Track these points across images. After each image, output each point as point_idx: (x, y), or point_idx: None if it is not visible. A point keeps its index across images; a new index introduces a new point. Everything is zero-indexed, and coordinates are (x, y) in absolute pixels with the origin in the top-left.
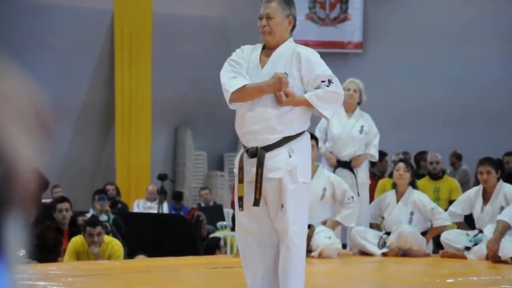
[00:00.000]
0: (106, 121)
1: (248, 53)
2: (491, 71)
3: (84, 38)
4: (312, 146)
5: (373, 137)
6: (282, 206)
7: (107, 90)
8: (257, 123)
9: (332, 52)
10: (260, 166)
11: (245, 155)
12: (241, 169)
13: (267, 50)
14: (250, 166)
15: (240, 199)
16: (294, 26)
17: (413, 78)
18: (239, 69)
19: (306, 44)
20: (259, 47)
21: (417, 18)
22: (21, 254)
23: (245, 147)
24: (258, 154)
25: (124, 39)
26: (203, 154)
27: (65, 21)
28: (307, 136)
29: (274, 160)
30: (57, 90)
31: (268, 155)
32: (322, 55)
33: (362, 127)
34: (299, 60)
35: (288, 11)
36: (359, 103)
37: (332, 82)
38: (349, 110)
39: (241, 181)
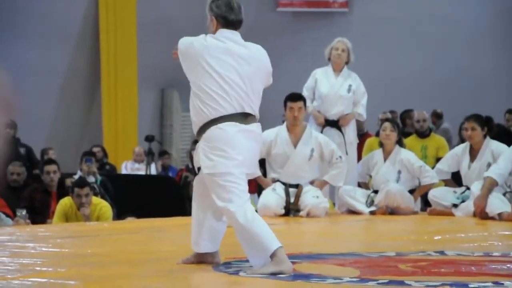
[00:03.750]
0: (92, 84)
1: None
2: (479, 32)
3: (68, 0)
4: (300, 107)
5: (361, 96)
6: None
7: (92, 53)
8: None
9: (317, 12)
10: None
11: None
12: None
13: None
14: None
15: None
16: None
17: (399, 37)
18: None
19: (291, 4)
20: None
21: None
22: (23, 213)
23: None
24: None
25: (109, 1)
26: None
27: None
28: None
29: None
30: (42, 53)
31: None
32: (308, 14)
33: (350, 86)
34: None
35: None
36: (347, 63)
37: None
38: (337, 69)
39: None
